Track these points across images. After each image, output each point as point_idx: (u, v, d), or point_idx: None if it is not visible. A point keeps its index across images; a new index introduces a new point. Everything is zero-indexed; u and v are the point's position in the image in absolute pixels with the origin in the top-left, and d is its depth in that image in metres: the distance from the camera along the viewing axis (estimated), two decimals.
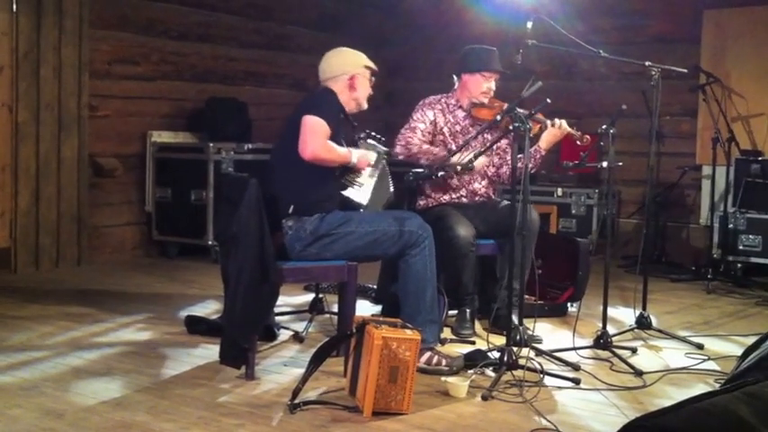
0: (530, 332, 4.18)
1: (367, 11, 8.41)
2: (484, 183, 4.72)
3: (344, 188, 4.00)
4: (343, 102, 4.01)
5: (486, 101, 4.57)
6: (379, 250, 3.92)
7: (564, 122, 4.52)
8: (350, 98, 4.03)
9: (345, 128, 4.10)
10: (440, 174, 4.53)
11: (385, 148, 4.26)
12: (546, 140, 4.52)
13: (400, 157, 4.53)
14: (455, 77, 4.68)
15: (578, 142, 4.52)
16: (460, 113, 4.64)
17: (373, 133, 4.27)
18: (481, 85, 4.58)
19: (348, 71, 4.02)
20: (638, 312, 4.61)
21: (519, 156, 3.84)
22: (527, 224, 3.95)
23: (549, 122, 4.50)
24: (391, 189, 4.28)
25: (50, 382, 3.57)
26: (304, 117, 3.78)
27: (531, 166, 4.12)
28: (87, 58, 6.23)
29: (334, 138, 3.85)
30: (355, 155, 3.96)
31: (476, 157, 4.34)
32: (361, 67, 4.07)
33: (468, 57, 4.65)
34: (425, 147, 4.52)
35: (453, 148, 4.47)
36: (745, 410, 2.31)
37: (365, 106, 4.10)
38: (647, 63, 4.59)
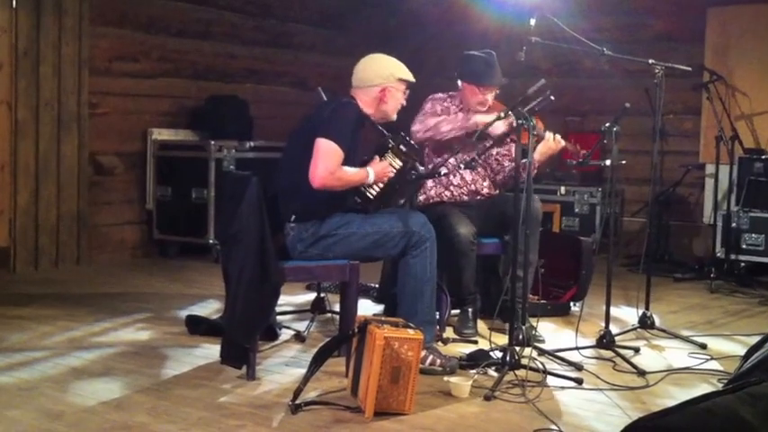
0: (533, 332, 4.17)
1: (370, 8, 8.38)
2: (486, 183, 4.69)
3: (355, 193, 3.91)
4: (370, 113, 3.90)
5: (483, 110, 4.50)
6: (381, 251, 3.89)
7: (559, 137, 4.49)
8: (377, 110, 3.90)
9: (371, 136, 4.00)
10: (443, 173, 4.52)
11: (416, 157, 4.07)
12: (540, 152, 4.43)
13: (419, 135, 4.44)
14: (459, 80, 4.62)
15: (574, 157, 4.51)
16: (461, 117, 4.61)
17: (406, 137, 4.03)
18: (477, 97, 4.52)
19: (380, 83, 3.88)
20: (641, 312, 4.59)
21: (522, 160, 3.83)
22: (530, 211, 3.89)
23: (546, 134, 4.46)
24: (401, 202, 4.19)
25: (49, 383, 3.54)
26: (317, 140, 3.66)
27: (525, 176, 4.08)
28: (87, 56, 6.20)
29: (351, 154, 3.74)
30: (372, 174, 3.83)
31: (481, 153, 4.33)
32: (395, 79, 3.90)
33: (466, 65, 4.56)
34: (442, 117, 4.47)
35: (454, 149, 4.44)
36: (747, 411, 2.29)
37: (393, 118, 3.96)
38: (650, 61, 4.57)
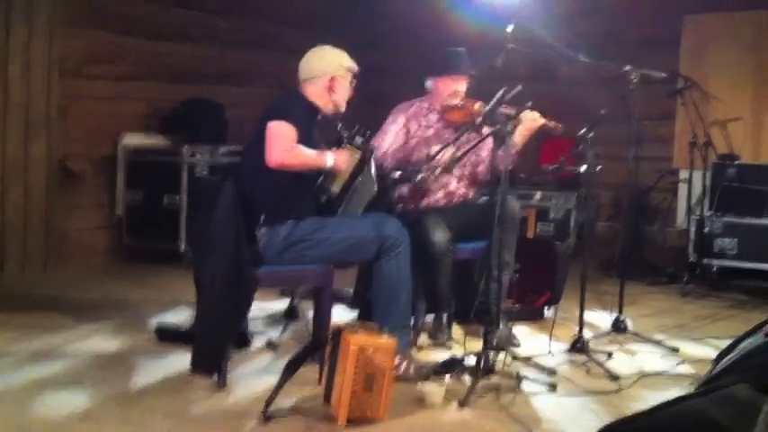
0: (508, 336, 4.17)
1: (352, 12, 8.35)
2: (461, 184, 4.67)
3: (319, 192, 3.92)
4: (321, 104, 3.93)
5: (457, 102, 4.54)
6: (355, 255, 3.87)
7: (536, 115, 4.47)
8: (328, 100, 3.93)
9: (324, 129, 4.02)
10: (419, 177, 4.50)
11: (372, 149, 4.12)
12: (521, 134, 4.44)
13: (386, 165, 4.48)
14: (427, 82, 4.64)
15: (554, 132, 4.51)
16: (433, 117, 4.60)
17: (362, 130, 4.07)
18: (449, 87, 4.54)
19: (328, 72, 3.92)
20: (614, 316, 4.59)
21: (499, 153, 3.83)
22: (506, 212, 3.92)
23: (521, 116, 4.44)
24: (375, 188, 4.18)
25: (14, 393, 3.46)
26: (269, 124, 3.68)
27: (510, 162, 4.08)
28: (58, 57, 6.11)
29: (306, 141, 3.75)
30: (330, 157, 3.85)
31: (455, 161, 4.32)
32: (343, 68, 3.96)
33: (438, 60, 4.62)
34: (392, 150, 4.48)
35: (431, 152, 4.42)
36: (718, 414, 2.29)
37: (343, 109, 4.01)
38: (626, 67, 4.58)
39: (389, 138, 4.50)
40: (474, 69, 4.57)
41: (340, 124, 4.03)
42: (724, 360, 2.93)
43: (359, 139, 3.98)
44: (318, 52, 4.00)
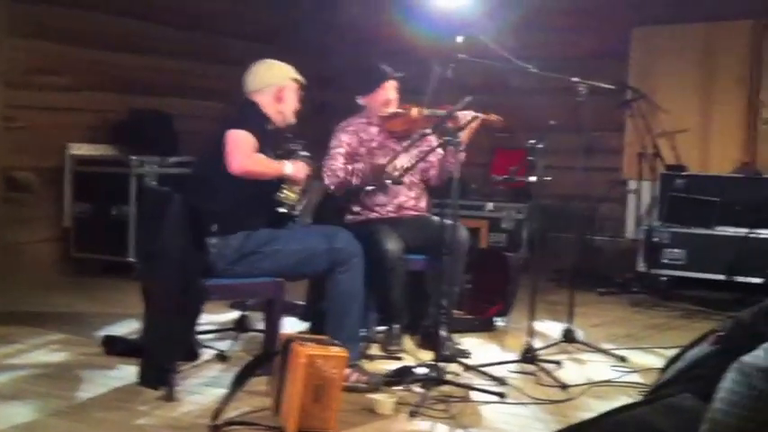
0: (458, 347, 4.18)
1: (301, 24, 8.34)
2: (412, 194, 4.68)
3: (275, 204, 3.90)
4: (271, 115, 3.95)
5: (392, 110, 4.58)
6: (307, 268, 3.87)
7: (473, 112, 4.49)
8: (277, 111, 3.96)
9: (276, 140, 4.02)
10: (369, 188, 4.51)
11: (317, 163, 4.16)
12: (465, 134, 4.47)
13: (333, 188, 4.50)
14: (358, 100, 4.68)
15: (495, 125, 4.57)
16: (373, 129, 4.65)
17: (303, 144, 4.11)
18: (378, 100, 4.61)
19: (276, 83, 3.96)
20: (564, 326, 4.63)
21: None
22: (455, 243, 3.96)
23: (459, 115, 4.46)
24: (317, 199, 4.21)
25: None
26: (227, 132, 3.68)
27: (453, 161, 4.10)
28: (4, 68, 6.01)
29: (262, 151, 3.76)
30: (289, 166, 3.87)
31: (405, 171, 4.35)
32: (289, 79, 4.01)
33: (360, 80, 4.72)
34: (350, 167, 4.49)
35: (382, 162, 4.44)
36: (663, 422, 2.31)
37: (292, 120, 4.03)
38: (574, 79, 4.63)
39: (341, 159, 4.52)
40: (397, 73, 4.64)
41: (290, 136, 4.04)
42: (670, 369, 2.96)
43: (305, 153, 4.02)
44: (264, 64, 4.04)
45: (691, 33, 7.10)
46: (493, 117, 4.54)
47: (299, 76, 4.05)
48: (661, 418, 2.39)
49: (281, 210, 3.88)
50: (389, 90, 4.63)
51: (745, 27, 6.90)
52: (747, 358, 1.71)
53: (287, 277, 3.83)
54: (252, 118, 3.83)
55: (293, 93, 4.02)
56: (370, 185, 4.48)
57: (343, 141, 4.58)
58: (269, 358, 3.53)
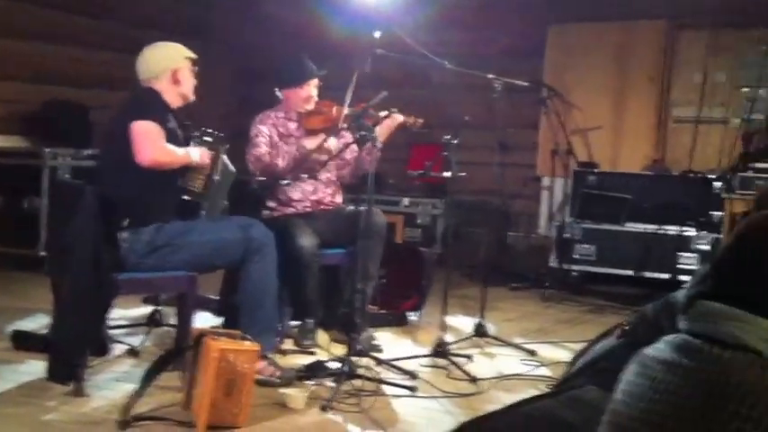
0: (371, 341, 4.23)
1: (226, 16, 8.26)
2: (329, 191, 4.71)
3: (181, 192, 3.88)
4: (170, 100, 3.91)
5: (311, 107, 4.60)
6: (220, 259, 3.85)
7: (395, 112, 4.57)
8: (176, 94, 3.93)
9: (177, 127, 3.99)
10: (284, 183, 4.52)
11: (226, 143, 4.08)
12: (381, 133, 4.53)
13: (258, 174, 4.49)
14: (278, 92, 4.68)
15: (414, 128, 4.62)
16: (292, 125, 4.66)
17: (209, 130, 4.07)
18: (300, 96, 4.62)
19: (170, 66, 3.91)
20: (476, 321, 4.71)
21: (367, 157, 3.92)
22: (372, 226, 3.99)
23: (380, 114, 4.53)
24: (232, 170, 4.18)
25: None
26: (132, 124, 3.64)
27: (370, 159, 4.15)
28: None
29: (167, 139, 3.73)
30: (195, 153, 3.85)
31: (329, 158, 4.40)
32: (183, 59, 3.97)
33: (283, 72, 4.70)
34: (275, 151, 4.49)
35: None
36: (568, 414, 2.39)
37: (192, 98, 4.00)
38: (490, 75, 4.71)
39: (263, 147, 4.51)
40: (321, 71, 4.66)
41: (188, 123, 4.01)
42: (577, 363, 3.05)
43: (208, 138, 3.98)
44: (154, 49, 3.98)
45: (605, 32, 7.26)
46: (411, 119, 4.59)
47: (191, 54, 4.01)
48: (567, 409, 2.45)
49: (187, 197, 3.86)
50: (312, 88, 4.64)
51: (658, 27, 7.10)
52: (648, 350, 1.77)
53: (200, 269, 3.81)
54: (153, 106, 3.78)
55: (189, 72, 3.98)
56: (294, 171, 4.48)
57: (263, 132, 4.57)
58: (180, 353, 3.52)
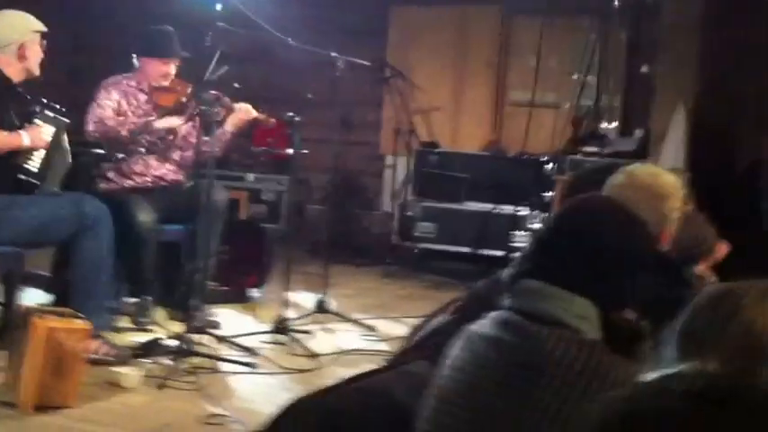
0: (209, 318, 4.19)
1: None
2: (171, 168, 4.61)
3: (16, 170, 3.69)
4: (12, 74, 3.69)
5: (166, 84, 4.49)
6: (51, 235, 3.70)
7: (249, 107, 4.54)
8: (21, 69, 3.71)
9: (16, 102, 3.78)
10: (120, 156, 4.40)
11: (66, 120, 3.89)
12: (232, 123, 4.52)
13: (97, 135, 4.32)
14: (135, 58, 4.53)
15: (267, 126, 4.59)
16: (142, 97, 4.52)
17: (51, 104, 3.86)
18: (160, 70, 4.48)
19: (16, 39, 3.68)
20: (318, 297, 4.74)
21: (205, 139, 3.83)
22: (212, 203, 4.00)
23: (235, 106, 4.50)
24: (69, 160, 4.00)
25: None
26: None
27: (217, 148, 4.10)
28: None
29: (2, 118, 3.53)
30: (27, 137, 3.63)
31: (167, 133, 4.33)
32: (31, 32, 3.74)
33: (147, 40, 4.55)
34: (121, 119, 4.35)
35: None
36: (399, 388, 2.45)
37: (37, 72, 3.79)
38: (332, 54, 4.72)
39: (109, 111, 4.36)
40: (184, 52, 4.53)
41: (28, 98, 3.80)
42: (412, 338, 3.12)
43: (49, 113, 3.79)
44: (2, 18, 3.74)
45: (446, 15, 7.40)
46: (263, 116, 4.55)
47: (40, 25, 3.78)
48: (397, 384, 2.52)
49: (22, 176, 3.68)
50: (170, 65, 4.50)
51: (495, 12, 7.29)
52: (473, 326, 1.84)
53: (29, 245, 3.65)
54: None
55: (36, 45, 3.75)
56: (134, 145, 4.36)
57: (112, 98, 4.41)
58: (7, 332, 3.37)
